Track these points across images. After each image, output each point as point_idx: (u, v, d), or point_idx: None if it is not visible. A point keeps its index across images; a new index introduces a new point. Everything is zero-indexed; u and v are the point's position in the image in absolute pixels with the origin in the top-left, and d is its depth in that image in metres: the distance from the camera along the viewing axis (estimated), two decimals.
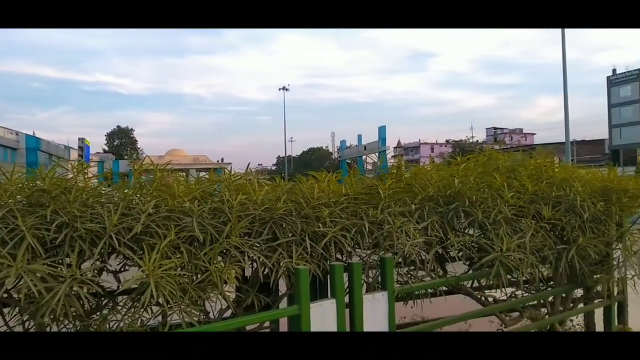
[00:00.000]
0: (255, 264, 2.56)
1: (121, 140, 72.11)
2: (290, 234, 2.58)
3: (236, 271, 2.46)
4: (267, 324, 2.82)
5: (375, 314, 2.61)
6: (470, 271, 3.26)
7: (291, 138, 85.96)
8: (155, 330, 2.31)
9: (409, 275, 3.08)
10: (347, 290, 2.58)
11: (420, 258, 2.93)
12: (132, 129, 74.23)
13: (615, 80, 64.63)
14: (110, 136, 72.74)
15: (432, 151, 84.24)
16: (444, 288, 3.36)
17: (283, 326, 2.61)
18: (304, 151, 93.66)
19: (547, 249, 3.34)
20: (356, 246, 2.86)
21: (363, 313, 2.55)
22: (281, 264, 2.48)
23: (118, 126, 73.07)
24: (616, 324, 4.07)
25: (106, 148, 69.51)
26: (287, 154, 67.36)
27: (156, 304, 2.29)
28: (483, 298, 3.47)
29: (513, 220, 3.23)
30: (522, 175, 3.50)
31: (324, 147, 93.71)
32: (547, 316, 3.71)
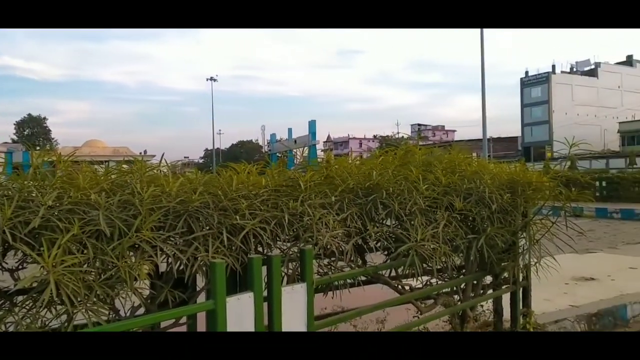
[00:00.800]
0: (169, 259, 2.46)
1: (32, 130, 66.82)
2: (207, 227, 2.51)
3: (148, 267, 2.35)
4: (184, 320, 2.73)
5: (294, 306, 2.62)
6: (388, 261, 3.36)
7: (220, 130, 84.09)
8: (58, 331, 2.15)
9: (329, 267, 3.12)
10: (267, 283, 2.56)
11: (339, 249, 2.97)
12: (44, 118, 69.05)
13: (527, 82, 69.53)
14: (20, 125, 67.15)
15: (361, 146, 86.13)
16: (363, 278, 3.44)
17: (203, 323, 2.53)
18: (233, 144, 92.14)
19: (458, 238, 3.51)
20: (276, 239, 2.84)
21: (282, 305, 2.54)
22: (197, 258, 2.41)
23: (29, 114, 67.61)
24: (521, 307, 4.38)
25: (15, 138, 64.15)
26: (216, 147, 65.85)
27: (60, 303, 2.14)
28: (400, 286, 3.59)
29: (428, 212, 3.37)
30: (437, 169, 3.65)
31: (254, 141, 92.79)
32: (459, 302, 3.91)
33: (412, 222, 3.23)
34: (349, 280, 3.19)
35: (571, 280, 6.61)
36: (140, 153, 38.15)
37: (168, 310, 2.36)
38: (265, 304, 2.52)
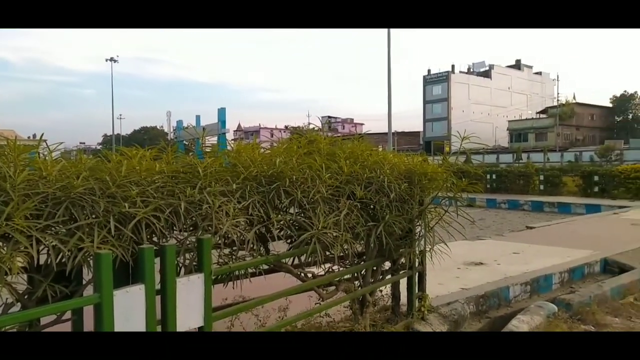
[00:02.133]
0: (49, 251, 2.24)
1: None
2: (92, 216, 2.32)
3: (23, 259, 2.12)
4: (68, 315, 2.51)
5: (190, 297, 2.51)
6: (291, 249, 3.36)
7: (120, 115, 79.07)
8: None
9: (230, 256, 3.04)
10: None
11: (241, 238, 2.90)
12: None
13: (429, 80, 73.67)
14: None
15: (272, 136, 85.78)
16: (266, 267, 3.41)
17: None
18: (135, 130, 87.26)
19: (359, 226, 3.60)
20: (172, 228, 2.71)
21: (176, 297, 2.42)
22: (81, 249, 2.22)
23: None
24: (417, 291, 4.61)
25: None
26: (116, 133, 61.86)
27: None
28: (302, 274, 3.61)
29: (330, 200, 3.41)
30: (340, 159, 3.70)
31: (158, 127, 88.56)
32: (359, 288, 4.03)
33: (315, 211, 3.25)
34: (250, 270, 3.13)
35: (462, 265, 7.08)
36: (29, 137, 34.72)
37: (47, 306, 2.15)
38: (159, 297, 2.39)
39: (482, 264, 7.27)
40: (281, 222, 3.20)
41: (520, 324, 4.55)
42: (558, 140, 61.76)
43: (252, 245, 2.95)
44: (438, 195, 4.23)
